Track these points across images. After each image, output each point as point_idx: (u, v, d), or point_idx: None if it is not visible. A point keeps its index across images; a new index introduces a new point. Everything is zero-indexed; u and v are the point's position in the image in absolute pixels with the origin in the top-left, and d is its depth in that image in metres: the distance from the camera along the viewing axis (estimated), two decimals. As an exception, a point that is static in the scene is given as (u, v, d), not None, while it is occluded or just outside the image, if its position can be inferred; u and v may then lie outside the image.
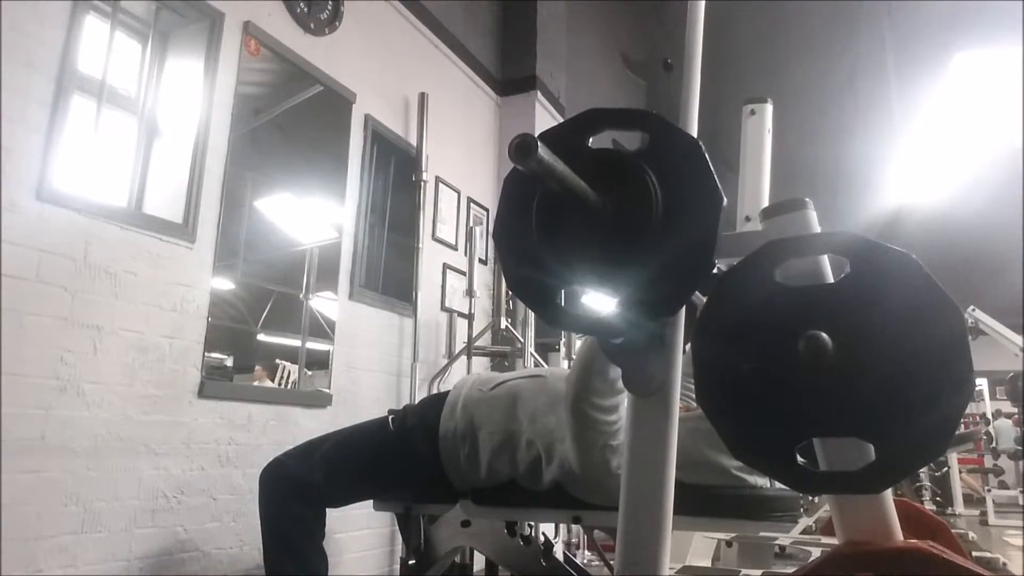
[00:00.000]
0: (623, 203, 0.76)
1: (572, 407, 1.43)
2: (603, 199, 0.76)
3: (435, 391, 3.42)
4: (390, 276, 3.46)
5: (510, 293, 3.95)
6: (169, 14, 2.48)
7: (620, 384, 1.37)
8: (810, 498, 3.54)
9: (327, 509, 1.70)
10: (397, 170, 3.58)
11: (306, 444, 1.77)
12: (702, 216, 0.74)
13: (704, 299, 0.85)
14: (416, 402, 2.26)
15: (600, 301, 0.87)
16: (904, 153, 7.45)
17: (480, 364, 3.84)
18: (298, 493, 1.65)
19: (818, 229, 0.88)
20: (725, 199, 0.75)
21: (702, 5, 0.98)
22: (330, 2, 3.13)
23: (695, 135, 0.94)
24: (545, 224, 0.80)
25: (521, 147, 0.64)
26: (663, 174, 0.76)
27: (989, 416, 7.74)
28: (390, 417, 1.76)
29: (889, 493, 0.86)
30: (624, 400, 1.40)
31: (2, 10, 1.90)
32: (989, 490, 7.34)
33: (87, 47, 2.12)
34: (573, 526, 3.48)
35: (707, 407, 0.83)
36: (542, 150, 0.65)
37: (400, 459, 1.67)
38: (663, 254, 0.75)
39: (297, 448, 1.76)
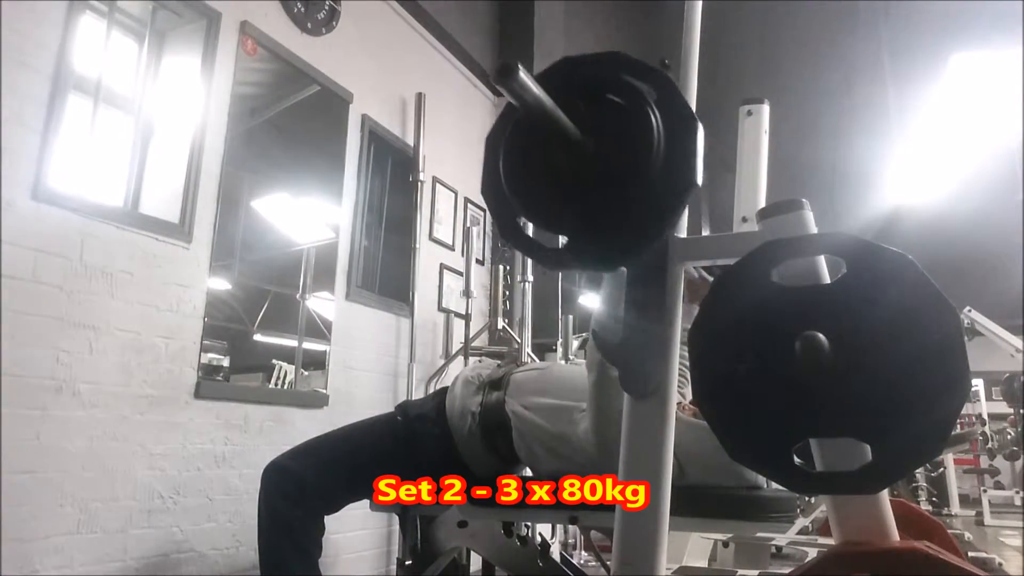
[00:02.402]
0: (617, 144, 0.80)
1: (596, 372, 1.41)
2: (589, 138, 0.79)
3: (432, 391, 3.41)
4: (387, 276, 3.45)
5: (507, 293, 3.95)
6: (166, 13, 2.48)
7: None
8: (807, 498, 3.54)
9: (327, 512, 1.70)
10: (394, 170, 3.58)
11: (307, 444, 1.77)
12: (690, 168, 0.80)
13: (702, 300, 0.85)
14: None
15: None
16: (901, 154, 7.46)
17: (475, 361, 3.83)
18: (299, 495, 1.65)
19: (815, 230, 0.88)
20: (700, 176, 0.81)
21: (699, 5, 0.98)
22: (327, 2, 3.13)
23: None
24: (525, 163, 0.84)
25: (503, 69, 0.67)
26: (666, 122, 0.80)
27: (985, 417, 7.75)
28: (396, 409, 1.78)
29: (885, 493, 0.86)
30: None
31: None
32: (985, 491, 7.36)
33: (83, 46, 2.12)
34: (570, 526, 3.48)
35: (704, 408, 0.83)
36: (523, 74, 0.67)
37: (411, 448, 1.67)
38: (655, 192, 0.79)
39: (297, 448, 1.76)
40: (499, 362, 1.85)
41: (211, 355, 2.50)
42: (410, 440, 1.69)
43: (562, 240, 0.84)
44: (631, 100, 0.80)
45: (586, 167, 0.80)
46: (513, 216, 0.85)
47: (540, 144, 0.81)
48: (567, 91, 0.81)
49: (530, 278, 3.70)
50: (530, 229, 0.87)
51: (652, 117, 0.79)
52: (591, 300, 5.71)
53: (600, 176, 0.80)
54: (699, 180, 0.79)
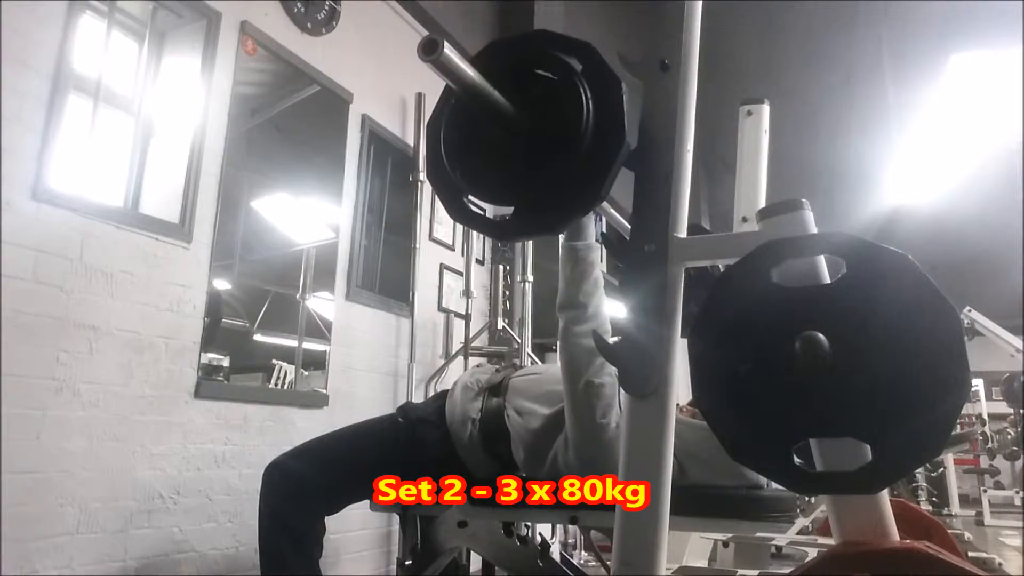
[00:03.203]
0: (549, 116, 0.83)
1: (562, 339, 1.45)
2: (523, 112, 0.83)
3: (432, 391, 3.42)
4: (387, 276, 3.45)
5: (507, 293, 3.95)
6: (166, 13, 2.48)
7: (601, 309, 1.40)
8: (807, 498, 3.54)
9: (329, 512, 1.70)
10: (394, 170, 3.58)
11: (308, 444, 1.77)
12: (618, 129, 0.83)
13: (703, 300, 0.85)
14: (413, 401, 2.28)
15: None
16: (901, 154, 7.46)
17: (473, 366, 3.83)
18: (300, 495, 1.65)
19: (815, 230, 0.88)
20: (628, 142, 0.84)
21: (699, 5, 0.98)
22: (327, 2, 3.13)
23: (692, 137, 0.95)
24: (462, 138, 0.88)
25: (427, 45, 0.70)
26: (593, 90, 0.84)
27: (985, 417, 7.75)
28: (397, 411, 1.79)
29: (885, 494, 0.86)
30: (608, 329, 1.42)
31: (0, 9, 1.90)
32: (985, 491, 7.35)
33: (83, 46, 2.12)
34: (570, 526, 3.48)
35: (704, 407, 0.83)
36: (448, 50, 0.71)
37: (412, 450, 1.68)
38: (589, 156, 0.82)
39: (299, 448, 1.76)
40: (497, 366, 1.85)
41: (211, 355, 2.50)
42: (411, 442, 1.69)
43: (508, 211, 0.87)
44: (558, 73, 0.84)
45: (522, 140, 0.83)
46: (459, 194, 0.88)
47: (478, 123, 0.84)
48: (499, 70, 0.85)
49: (530, 278, 3.70)
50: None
51: (579, 87, 0.82)
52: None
53: (536, 148, 0.84)
54: (628, 138, 0.82)
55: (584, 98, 0.82)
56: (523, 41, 0.90)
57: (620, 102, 0.82)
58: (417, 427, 1.71)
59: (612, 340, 0.91)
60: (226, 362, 2.63)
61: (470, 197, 0.90)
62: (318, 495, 1.67)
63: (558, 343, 1.49)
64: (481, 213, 0.89)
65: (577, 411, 1.46)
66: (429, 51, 0.69)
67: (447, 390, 1.80)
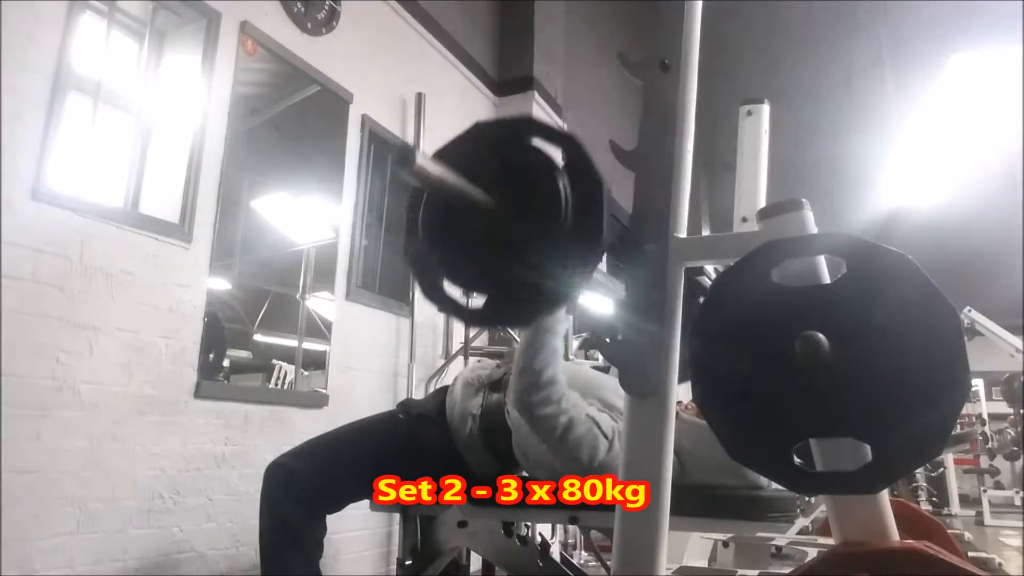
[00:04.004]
0: (528, 208, 0.82)
1: (516, 405, 1.46)
2: (501, 203, 0.82)
3: (433, 390, 3.41)
4: (387, 276, 3.45)
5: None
6: (166, 13, 2.48)
7: (556, 378, 1.41)
8: (807, 498, 3.54)
9: (330, 512, 1.70)
10: (394, 170, 3.58)
11: (308, 443, 1.77)
12: (597, 230, 0.81)
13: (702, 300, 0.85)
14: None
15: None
16: (901, 154, 7.46)
17: (473, 362, 3.83)
18: (301, 495, 1.65)
19: (815, 230, 0.88)
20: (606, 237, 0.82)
21: (699, 5, 0.98)
22: (327, 2, 3.13)
23: (692, 137, 0.95)
24: (436, 227, 0.88)
25: (399, 158, 0.69)
26: (574, 185, 0.82)
27: (985, 417, 7.75)
28: (398, 407, 1.79)
29: (885, 493, 0.86)
30: (563, 393, 1.44)
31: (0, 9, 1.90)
32: (985, 491, 7.36)
33: (83, 46, 2.12)
34: (570, 526, 3.48)
35: (704, 408, 0.83)
36: (421, 159, 0.70)
37: (413, 446, 1.68)
38: (565, 254, 0.81)
39: (299, 448, 1.76)
40: (498, 362, 1.85)
41: (211, 355, 2.50)
42: (412, 439, 1.69)
43: (482, 299, 0.86)
44: (540, 166, 0.82)
45: (500, 231, 0.82)
46: (435, 277, 0.87)
47: (456, 209, 0.83)
48: (480, 157, 0.84)
49: (530, 278, 3.69)
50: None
51: (560, 182, 0.81)
52: (590, 301, 5.71)
53: (513, 240, 0.82)
54: (606, 243, 0.81)
55: (564, 197, 0.80)
56: (507, 126, 0.88)
57: (601, 204, 0.80)
58: (417, 423, 1.71)
59: (611, 340, 0.91)
60: (226, 362, 2.64)
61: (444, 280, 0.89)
62: (319, 494, 1.67)
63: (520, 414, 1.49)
64: (453, 298, 0.88)
65: (569, 465, 1.47)
66: (401, 164, 0.69)
67: (447, 386, 1.80)
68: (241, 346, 2.76)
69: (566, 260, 0.80)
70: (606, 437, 1.46)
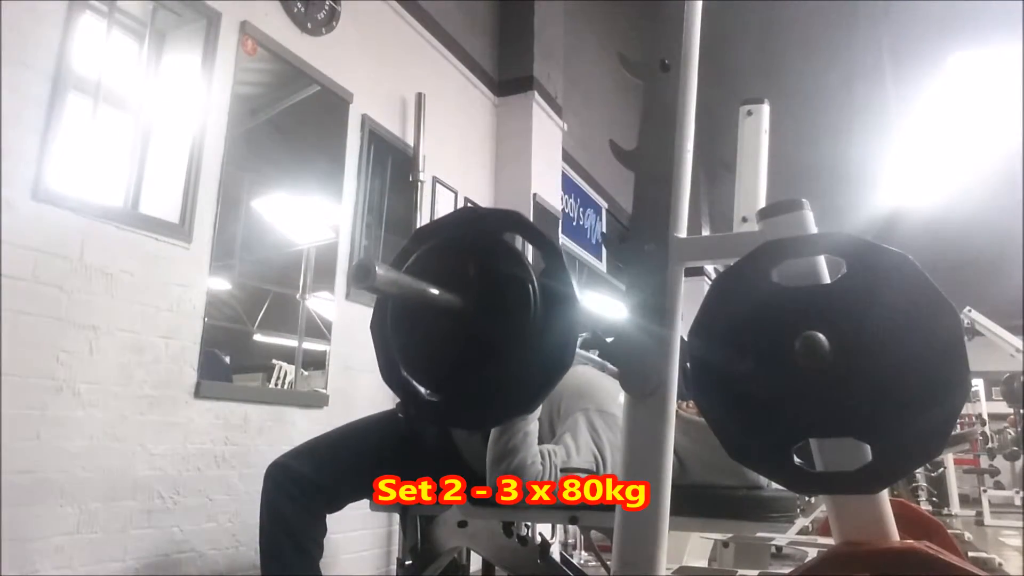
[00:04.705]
0: (495, 316, 0.79)
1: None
2: (470, 306, 0.78)
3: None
4: (387, 276, 3.45)
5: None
6: (166, 13, 2.48)
7: (524, 464, 1.39)
8: (807, 498, 3.54)
9: (330, 511, 1.70)
10: (394, 170, 3.58)
11: (309, 443, 1.76)
12: (564, 350, 0.79)
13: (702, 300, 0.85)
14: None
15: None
16: (901, 154, 7.46)
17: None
18: (301, 495, 1.65)
19: (815, 230, 0.88)
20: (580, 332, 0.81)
21: (699, 5, 0.98)
22: (327, 2, 3.13)
23: (692, 137, 0.94)
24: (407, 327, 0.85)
25: (358, 275, 0.68)
26: (545, 297, 0.79)
27: (985, 417, 7.75)
28: (397, 407, 1.78)
29: (885, 493, 0.86)
30: (541, 468, 1.42)
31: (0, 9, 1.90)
32: (985, 491, 7.36)
33: (83, 46, 2.12)
34: (570, 526, 3.48)
35: (704, 407, 0.83)
36: (382, 270, 0.68)
37: (414, 445, 1.68)
38: (525, 369, 0.77)
39: (300, 448, 1.76)
40: None
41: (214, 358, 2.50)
42: (413, 438, 1.69)
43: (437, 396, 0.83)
44: (514, 271, 0.79)
45: (465, 332, 0.79)
46: (395, 360, 0.85)
47: (419, 310, 0.81)
48: (457, 248, 0.82)
49: (530, 278, 3.69)
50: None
51: (531, 291, 0.78)
52: (590, 301, 5.72)
53: (476, 343, 0.79)
54: (572, 362, 0.79)
55: (534, 307, 0.77)
56: (491, 218, 0.85)
57: (571, 322, 0.77)
58: (417, 422, 1.71)
59: (610, 340, 0.91)
60: (227, 359, 2.64)
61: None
62: (320, 495, 1.67)
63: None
64: (412, 387, 0.85)
65: None
66: (363, 279, 0.67)
67: None
68: (241, 346, 2.76)
69: (529, 371, 0.76)
70: (588, 471, 1.45)
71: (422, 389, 0.83)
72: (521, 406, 0.79)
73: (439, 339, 0.81)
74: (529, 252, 0.91)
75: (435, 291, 0.76)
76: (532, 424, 1.45)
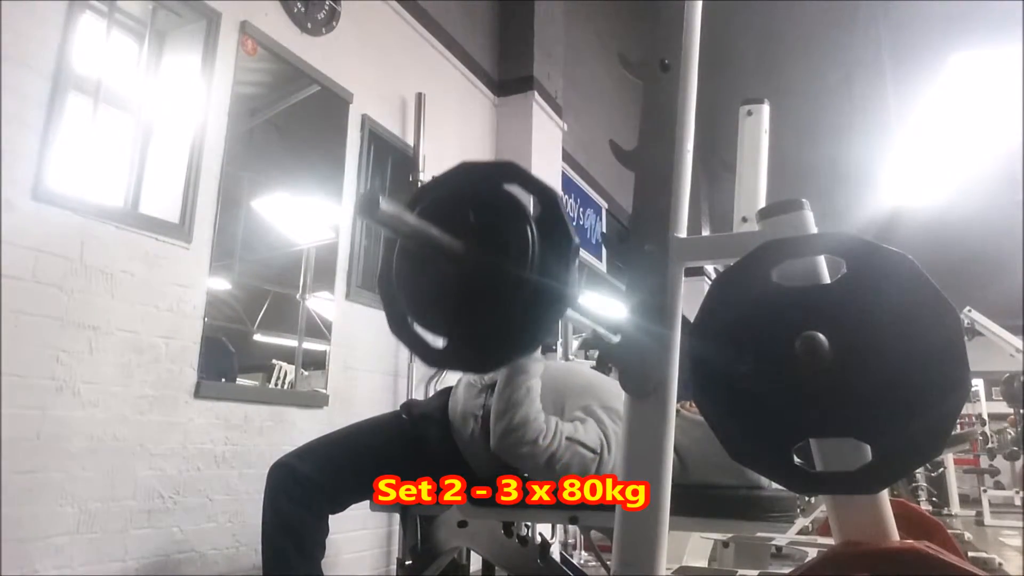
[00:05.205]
0: (497, 258, 0.81)
1: (495, 448, 1.48)
2: (471, 250, 0.82)
3: (432, 391, 3.41)
4: (387, 276, 3.45)
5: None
6: (166, 13, 2.48)
7: (528, 418, 1.39)
8: (807, 498, 3.54)
9: (333, 512, 1.70)
10: (394, 170, 3.58)
11: (312, 444, 1.76)
12: (563, 289, 0.81)
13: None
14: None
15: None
16: (901, 154, 7.46)
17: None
18: (304, 495, 1.65)
19: (815, 230, 0.88)
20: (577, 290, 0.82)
21: (699, 5, 0.98)
22: (327, 2, 3.13)
23: (692, 137, 0.95)
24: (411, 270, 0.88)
25: (363, 206, 0.69)
26: (543, 240, 0.81)
27: (985, 417, 7.75)
28: (401, 408, 1.79)
29: (885, 493, 0.86)
30: (539, 430, 1.44)
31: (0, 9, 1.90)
32: (985, 491, 7.36)
33: (83, 46, 2.12)
34: (570, 526, 3.48)
35: (704, 407, 0.83)
36: (386, 205, 0.70)
37: (416, 447, 1.68)
38: (527, 308, 0.80)
39: (303, 448, 1.76)
40: None
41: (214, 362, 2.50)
42: (415, 440, 1.69)
43: (443, 341, 0.86)
44: (514, 217, 0.82)
45: (467, 277, 0.82)
46: (403, 312, 0.87)
47: (424, 252, 0.83)
48: (458, 197, 0.85)
49: (530, 278, 3.69)
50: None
51: (529, 234, 0.80)
52: (590, 301, 5.72)
53: (478, 287, 0.82)
54: (571, 302, 0.81)
55: (531, 249, 0.80)
56: (488, 170, 0.88)
57: (569, 263, 0.80)
58: (420, 424, 1.71)
59: (612, 340, 0.91)
60: (231, 351, 2.63)
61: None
62: (323, 495, 1.67)
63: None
64: (419, 335, 0.88)
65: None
66: (368, 210, 0.69)
67: (450, 387, 1.80)
68: (241, 346, 2.76)
69: (529, 312, 0.79)
70: (594, 452, 1.47)
71: (429, 337, 0.87)
72: (526, 345, 0.82)
73: (443, 287, 0.84)
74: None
75: (437, 232, 0.79)
76: (534, 380, 1.47)
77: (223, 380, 2.55)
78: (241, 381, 2.75)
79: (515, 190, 0.84)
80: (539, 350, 1.50)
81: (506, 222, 0.81)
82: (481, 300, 0.81)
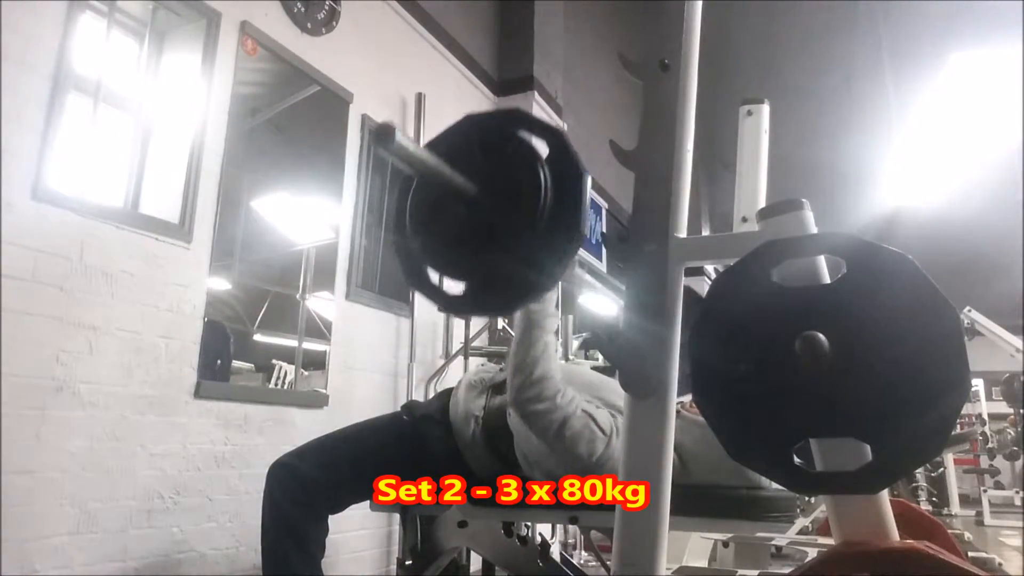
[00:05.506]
0: (509, 198, 0.83)
1: (511, 404, 1.48)
2: (484, 192, 0.84)
3: (432, 392, 3.42)
4: (387, 276, 3.45)
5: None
6: (166, 13, 2.48)
7: (548, 374, 1.41)
8: (807, 498, 3.54)
9: (333, 512, 1.70)
10: (394, 170, 3.58)
11: (312, 443, 1.76)
12: (576, 221, 0.83)
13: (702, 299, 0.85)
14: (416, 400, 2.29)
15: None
16: (901, 154, 7.46)
17: (477, 364, 3.83)
18: (304, 495, 1.65)
19: (815, 230, 0.88)
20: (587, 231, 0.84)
21: (699, 5, 0.98)
22: (327, 2, 3.13)
23: (692, 137, 0.95)
24: (423, 214, 0.89)
25: (379, 135, 0.70)
26: (555, 177, 0.83)
27: (985, 417, 7.75)
28: (402, 408, 1.79)
29: (885, 493, 0.86)
30: (557, 389, 1.45)
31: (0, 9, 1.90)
32: (985, 491, 7.35)
33: (83, 46, 2.12)
34: (570, 526, 3.48)
35: (704, 407, 0.83)
36: (401, 138, 0.71)
37: (417, 447, 1.68)
38: (543, 244, 0.82)
39: (303, 448, 1.75)
40: (501, 365, 1.85)
41: (211, 355, 2.50)
42: (416, 440, 1.69)
43: (462, 287, 0.87)
44: (523, 157, 0.83)
45: (481, 218, 0.83)
46: (418, 263, 0.89)
47: (442, 196, 0.85)
48: (468, 145, 0.86)
49: (530, 278, 3.69)
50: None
51: (541, 173, 0.82)
52: (591, 301, 5.72)
53: (493, 228, 0.83)
54: (585, 232, 0.82)
55: (544, 185, 0.81)
56: (496, 118, 0.90)
57: (580, 195, 0.81)
58: (421, 424, 1.71)
59: (612, 340, 0.91)
60: (229, 336, 2.63)
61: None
62: (323, 495, 1.67)
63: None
64: (436, 284, 0.89)
65: (569, 463, 1.47)
66: (381, 140, 0.69)
67: (451, 388, 1.80)
68: (241, 346, 2.76)
69: (545, 249, 0.81)
70: (604, 432, 1.46)
71: (445, 283, 0.89)
72: (542, 284, 0.84)
73: (459, 232, 0.85)
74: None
75: (450, 171, 0.80)
76: (551, 337, 1.48)
77: (218, 362, 2.54)
78: (241, 381, 2.74)
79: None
80: (555, 303, 1.51)
81: (518, 163, 0.83)
82: (498, 241, 0.83)
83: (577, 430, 1.44)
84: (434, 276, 0.89)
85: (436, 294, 0.88)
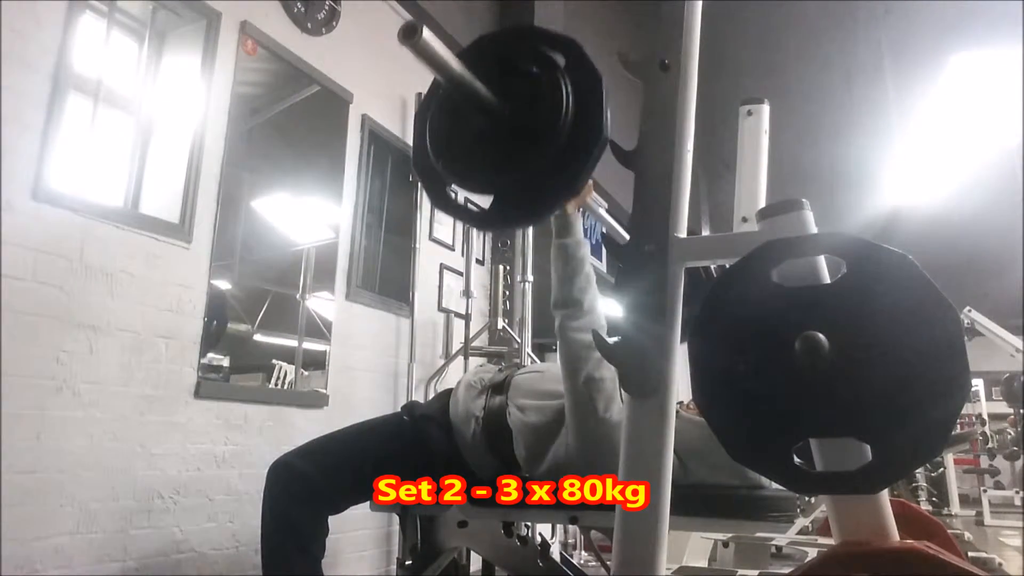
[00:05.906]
0: (531, 107, 0.85)
1: (559, 332, 1.49)
2: (505, 103, 0.85)
3: (432, 392, 3.42)
4: (387, 276, 3.45)
5: (507, 293, 3.96)
6: (166, 14, 2.48)
7: (596, 308, 1.41)
8: (807, 498, 3.54)
9: (333, 512, 1.70)
10: (394, 170, 3.58)
11: (313, 443, 1.76)
12: (597, 124, 0.85)
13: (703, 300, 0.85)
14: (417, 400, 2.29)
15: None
16: (901, 154, 7.46)
17: (477, 364, 3.83)
18: (304, 495, 1.65)
19: (815, 230, 0.88)
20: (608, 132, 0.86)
21: (699, 5, 0.98)
22: (327, 2, 3.13)
23: (692, 137, 0.95)
24: (445, 125, 0.92)
25: (407, 30, 0.71)
26: (574, 84, 0.86)
27: (985, 417, 7.75)
28: (402, 409, 1.79)
29: (885, 493, 0.86)
30: (603, 329, 1.45)
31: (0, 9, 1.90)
32: (985, 491, 7.35)
33: (83, 46, 2.12)
34: (570, 526, 3.48)
35: (704, 407, 0.83)
36: (428, 36, 0.72)
37: (417, 448, 1.68)
38: (567, 149, 0.84)
39: (304, 447, 1.75)
40: (500, 366, 1.85)
41: (211, 355, 2.50)
42: (416, 441, 1.69)
43: (489, 202, 0.88)
44: (541, 67, 0.86)
45: (504, 130, 0.85)
46: (443, 185, 0.90)
47: (462, 113, 0.87)
48: (485, 63, 0.87)
49: (530, 278, 3.69)
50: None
51: (561, 80, 0.84)
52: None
53: (516, 139, 0.85)
54: (607, 133, 0.84)
55: (564, 92, 0.84)
56: (510, 35, 0.92)
57: (600, 97, 0.83)
58: (421, 425, 1.71)
59: (611, 340, 0.91)
60: (226, 362, 2.63)
61: (453, 187, 0.93)
62: (323, 495, 1.66)
63: (557, 341, 1.51)
64: (462, 203, 0.91)
65: (578, 407, 1.47)
66: (409, 36, 0.71)
67: (451, 389, 1.81)
68: (241, 346, 2.76)
69: (568, 153, 0.82)
70: (620, 402, 1.46)
71: (471, 200, 0.92)
72: (567, 188, 0.86)
73: (480, 147, 0.86)
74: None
75: (472, 76, 0.81)
76: (589, 267, 1.50)
77: (215, 323, 2.54)
78: (241, 381, 2.74)
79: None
80: (581, 233, 1.51)
81: (536, 72, 0.84)
82: (521, 152, 0.84)
83: (607, 377, 1.45)
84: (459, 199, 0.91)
85: (462, 212, 0.89)
